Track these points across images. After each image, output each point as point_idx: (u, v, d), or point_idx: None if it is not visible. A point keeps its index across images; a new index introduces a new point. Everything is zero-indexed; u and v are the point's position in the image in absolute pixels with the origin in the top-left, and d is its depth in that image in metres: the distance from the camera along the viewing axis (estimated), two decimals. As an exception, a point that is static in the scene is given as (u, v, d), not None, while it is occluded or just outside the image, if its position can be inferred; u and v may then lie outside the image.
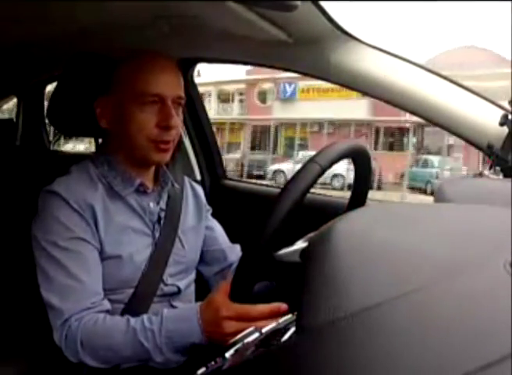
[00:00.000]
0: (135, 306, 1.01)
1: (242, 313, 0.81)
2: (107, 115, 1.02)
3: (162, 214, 1.08)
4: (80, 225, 0.95)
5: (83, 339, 0.89)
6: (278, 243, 0.71)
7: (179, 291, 1.09)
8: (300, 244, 0.79)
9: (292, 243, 0.80)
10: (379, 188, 14.41)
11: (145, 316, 0.90)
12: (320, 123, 17.73)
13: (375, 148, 16.68)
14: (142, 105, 0.97)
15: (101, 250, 0.98)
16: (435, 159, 16.22)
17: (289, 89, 20.24)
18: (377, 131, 18.49)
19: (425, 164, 16.37)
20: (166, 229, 1.07)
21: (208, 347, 0.86)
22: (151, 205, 1.06)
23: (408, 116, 13.70)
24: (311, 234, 0.80)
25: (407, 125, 16.77)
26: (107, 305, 0.96)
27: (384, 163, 14.91)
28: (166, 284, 1.06)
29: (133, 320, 0.90)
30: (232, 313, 0.81)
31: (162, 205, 1.09)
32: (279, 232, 0.64)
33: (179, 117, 1.03)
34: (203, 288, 1.23)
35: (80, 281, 0.92)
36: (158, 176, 1.10)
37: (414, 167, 16.24)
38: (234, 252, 1.21)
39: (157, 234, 1.06)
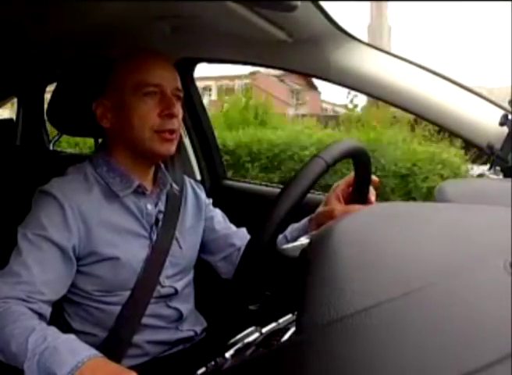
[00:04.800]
0: (132, 308, 1.01)
1: None
2: (108, 114, 1.02)
3: (160, 216, 1.07)
4: (57, 226, 0.94)
5: None
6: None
7: (177, 292, 1.09)
8: (304, 241, 0.79)
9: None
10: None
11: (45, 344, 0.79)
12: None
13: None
14: (143, 96, 0.99)
15: (94, 251, 0.97)
16: None
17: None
18: None
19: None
20: (164, 231, 1.07)
21: (207, 347, 0.86)
22: (149, 207, 1.06)
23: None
24: (314, 232, 0.80)
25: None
26: (45, 309, 0.90)
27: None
28: (163, 286, 1.06)
29: (33, 339, 0.79)
30: None
31: (161, 206, 1.08)
32: (284, 223, 0.63)
33: (180, 110, 1.04)
34: (202, 288, 1.23)
35: (30, 273, 0.89)
36: (157, 177, 1.09)
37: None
38: (239, 236, 1.20)
39: (154, 236, 1.05)
